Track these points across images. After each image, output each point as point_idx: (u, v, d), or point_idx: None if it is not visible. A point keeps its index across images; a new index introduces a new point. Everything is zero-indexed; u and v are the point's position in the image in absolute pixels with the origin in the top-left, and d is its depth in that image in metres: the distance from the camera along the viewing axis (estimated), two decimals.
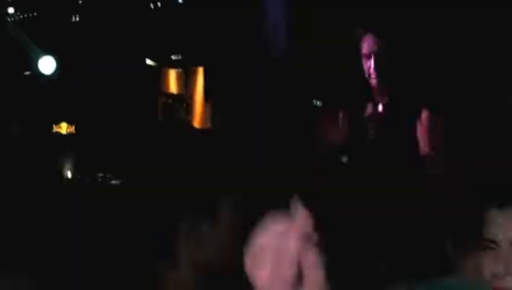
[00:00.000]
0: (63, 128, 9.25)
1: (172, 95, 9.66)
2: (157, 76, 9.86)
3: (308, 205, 1.53)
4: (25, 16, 9.10)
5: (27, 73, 9.09)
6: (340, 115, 6.07)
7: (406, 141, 5.91)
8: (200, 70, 9.65)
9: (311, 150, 6.28)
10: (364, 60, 5.89)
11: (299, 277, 1.52)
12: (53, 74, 8.86)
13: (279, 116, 7.31)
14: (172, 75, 9.89)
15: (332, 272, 1.56)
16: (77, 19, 9.40)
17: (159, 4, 9.53)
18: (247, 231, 1.53)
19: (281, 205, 1.53)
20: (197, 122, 9.55)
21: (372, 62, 5.84)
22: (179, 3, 9.48)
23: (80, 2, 9.37)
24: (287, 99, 7.50)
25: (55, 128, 9.39)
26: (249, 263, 1.53)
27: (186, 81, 9.87)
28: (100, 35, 9.40)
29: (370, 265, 5.40)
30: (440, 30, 7.11)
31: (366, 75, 5.88)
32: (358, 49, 5.97)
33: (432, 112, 6.01)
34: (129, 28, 9.40)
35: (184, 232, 2.71)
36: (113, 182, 7.67)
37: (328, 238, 1.66)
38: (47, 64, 8.91)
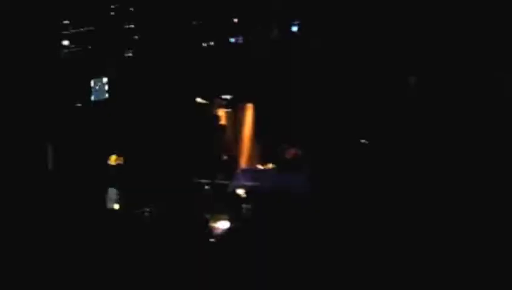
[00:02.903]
0: (112, 159, 9.36)
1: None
2: (208, 113, 9.97)
3: None
4: (80, 48, 9.30)
5: (79, 104, 9.29)
6: None
7: None
8: (249, 108, 9.76)
9: None
10: None
11: None
12: (104, 106, 9.08)
13: None
14: (222, 112, 9.98)
15: None
16: (130, 54, 9.58)
17: (211, 43, 9.71)
18: None
19: None
20: (244, 161, 9.62)
21: None
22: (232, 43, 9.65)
23: (135, 37, 9.55)
24: None
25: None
26: None
27: (235, 118, 9.95)
28: (153, 71, 9.57)
29: None
30: None
31: None
32: None
33: None
34: (182, 66, 9.58)
35: None
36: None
37: None
38: (99, 95, 9.15)
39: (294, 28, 9.34)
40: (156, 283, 7.49)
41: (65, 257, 7.70)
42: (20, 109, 8.46)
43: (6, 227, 7.83)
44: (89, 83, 9.27)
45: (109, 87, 9.37)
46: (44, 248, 7.74)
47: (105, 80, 9.40)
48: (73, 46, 9.29)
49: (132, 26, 9.65)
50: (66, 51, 9.27)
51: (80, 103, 9.31)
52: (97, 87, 9.38)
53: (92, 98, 9.26)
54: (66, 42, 9.26)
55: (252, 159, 9.60)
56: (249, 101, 9.73)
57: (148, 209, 8.65)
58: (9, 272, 7.41)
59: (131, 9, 9.64)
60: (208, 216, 8.38)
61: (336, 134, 8.75)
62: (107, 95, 9.33)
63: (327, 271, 7.32)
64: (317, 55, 9.04)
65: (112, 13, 9.58)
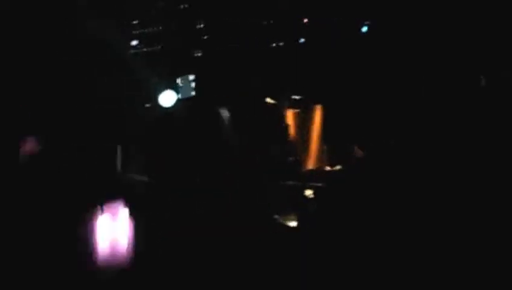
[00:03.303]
0: None
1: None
2: (277, 113, 9.96)
3: None
4: (149, 49, 9.34)
5: (148, 105, 9.32)
6: None
7: None
8: (318, 109, 9.73)
9: None
10: None
11: None
12: (173, 107, 9.09)
13: None
14: (291, 113, 9.97)
15: None
16: (199, 54, 9.60)
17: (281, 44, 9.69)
18: None
19: None
20: (311, 162, 9.59)
21: None
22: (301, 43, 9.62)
23: (205, 37, 9.56)
24: None
25: None
26: None
27: (304, 120, 9.94)
28: (224, 71, 9.60)
29: None
30: None
31: None
32: None
33: None
34: (249, 65, 9.60)
35: None
36: None
37: None
38: (168, 98, 9.16)
39: (364, 29, 9.25)
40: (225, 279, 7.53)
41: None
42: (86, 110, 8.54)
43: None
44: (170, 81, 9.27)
45: (196, 84, 9.40)
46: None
47: (191, 77, 9.42)
48: (142, 46, 9.34)
49: (203, 25, 9.66)
50: (134, 51, 9.32)
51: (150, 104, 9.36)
52: (183, 85, 9.41)
53: (179, 96, 9.28)
54: (134, 42, 9.30)
55: (320, 161, 9.57)
56: (318, 102, 9.70)
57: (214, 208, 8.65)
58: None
59: (201, 9, 9.66)
60: (276, 216, 8.37)
61: (404, 135, 8.67)
62: (193, 93, 9.36)
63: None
64: (386, 56, 8.97)
65: (182, 12, 9.61)
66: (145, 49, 9.36)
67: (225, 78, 9.62)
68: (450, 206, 7.68)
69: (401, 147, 8.52)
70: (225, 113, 9.49)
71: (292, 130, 9.90)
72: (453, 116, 8.28)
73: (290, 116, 9.95)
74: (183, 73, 9.43)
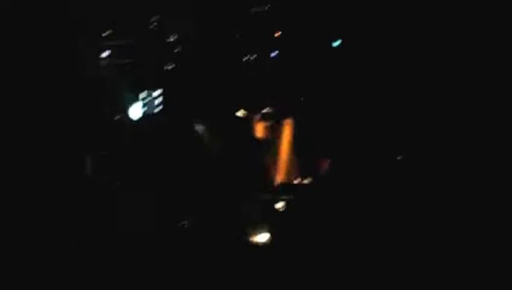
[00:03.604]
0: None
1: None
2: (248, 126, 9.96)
3: None
4: (120, 62, 9.34)
5: (117, 117, 9.31)
6: None
7: None
8: (289, 122, 9.74)
9: None
10: None
11: None
12: (139, 120, 9.09)
13: None
14: (261, 126, 9.97)
15: None
16: (171, 67, 9.60)
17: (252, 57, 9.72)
18: None
19: None
20: (281, 176, 9.60)
21: None
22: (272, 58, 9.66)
23: (176, 50, 9.58)
24: None
25: None
26: None
27: (275, 133, 9.94)
28: (194, 84, 9.60)
29: None
30: None
31: None
32: None
33: None
34: (223, 79, 9.62)
35: None
36: None
37: None
38: (135, 111, 9.17)
39: (336, 43, 9.31)
40: None
41: None
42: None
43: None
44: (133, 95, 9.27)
45: (165, 98, 9.38)
46: None
47: (156, 93, 9.42)
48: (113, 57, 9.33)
49: (173, 39, 9.67)
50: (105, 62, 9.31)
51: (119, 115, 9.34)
52: (147, 101, 9.40)
53: (142, 111, 9.27)
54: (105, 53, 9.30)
55: (290, 174, 9.58)
56: (289, 115, 9.72)
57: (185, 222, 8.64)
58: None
59: (173, 22, 9.67)
60: (247, 229, 8.38)
61: (376, 151, 8.71)
62: (157, 109, 9.37)
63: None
64: (357, 70, 9.02)
65: (154, 26, 9.62)
66: (115, 61, 9.36)
67: (196, 91, 9.63)
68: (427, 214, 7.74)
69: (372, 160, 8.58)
70: (196, 126, 9.49)
71: (263, 143, 9.91)
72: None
73: (260, 129, 9.95)
74: (153, 86, 9.42)
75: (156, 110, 9.43)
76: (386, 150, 8.64)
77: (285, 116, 9.75)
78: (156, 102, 9.44)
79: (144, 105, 9.35)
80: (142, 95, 9.39)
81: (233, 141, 9.59)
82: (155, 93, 9.45)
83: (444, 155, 8.10)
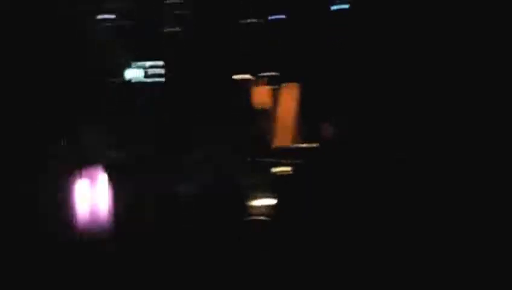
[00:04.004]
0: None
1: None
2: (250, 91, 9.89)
3: None
4: (121, 23, 9.25)
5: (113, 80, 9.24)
6: None
7: None
8: (295, 86, 9.67)
9: None
10: None
11: None
12: (140, 83, 9.04)
13: None
14: (264, 90, 9.89)
15: None
16: (175, 29, 9.51)
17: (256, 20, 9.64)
18: None
19: None
20: (284, 140, 9.53)
21: None
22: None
23: (177, 12, 9.48)
24: None
25: None
26: None
27: (281, 97, 9.86)
28: (195, 48, 9.52)
29: None
30: None
31: None
32: None
33: None
34: (223, 42, 9.53)
35: None
36: None
37: None
38: (134, 73, 9.09)
39: (343, 5, 9.20)
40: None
41: None
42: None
43: None
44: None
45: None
46: None
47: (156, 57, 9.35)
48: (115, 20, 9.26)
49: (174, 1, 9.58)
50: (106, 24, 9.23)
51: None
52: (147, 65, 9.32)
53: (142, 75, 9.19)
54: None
55: (296, 138, 9.52)
56: (295, 79, 9.64)
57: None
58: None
59: None
60: (251, 194, 8.36)
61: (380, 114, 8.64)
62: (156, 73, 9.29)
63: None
64: (363, 34, 8.93)
65: None
66: (117, 24, 9.27)
67: (197, 55, 9.56)
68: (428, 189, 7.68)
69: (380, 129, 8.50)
70: (197, 89, 9.42)
71: (269, 108, 9.84)
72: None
73: (266, 93, 9.87)
74: (153, 50, 9.33)
75: (155, 74, 9.34)
76: (389, 115, 8.55)
77: (288, 80, 9.69)
78: (155, 66, 9.35)
79: (143, 69, 9.27)
80: (141, 59, 9.30)
81: (235, 105, 9.53)
82: (154, 60, 9.36)
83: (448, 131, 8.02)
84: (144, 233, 7.83)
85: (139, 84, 9.20)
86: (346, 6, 9.15)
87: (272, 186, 8.47)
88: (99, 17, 9.11)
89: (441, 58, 8.27)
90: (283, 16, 9.55)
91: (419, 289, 6.98)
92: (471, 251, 7.08)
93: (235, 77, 9.72)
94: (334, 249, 7.45)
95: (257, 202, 8.31)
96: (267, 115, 9.68)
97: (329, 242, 7.51)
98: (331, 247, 7.47)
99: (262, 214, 8.17)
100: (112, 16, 9.28)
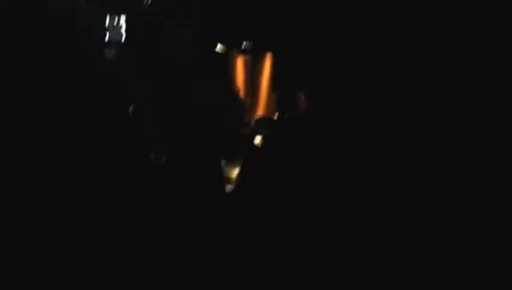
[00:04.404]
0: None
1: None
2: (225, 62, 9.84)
3: None
4: None
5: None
6: None
7: None
8: (268, 56, 9.65)
9: None
10: None
11: None
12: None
13: None
14: (240, 61, 9.86)
15: None
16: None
17: None
18: None
19: None
20: (261, 110, 9.53)
21: None
22: None
23: None
24: None
25: None
26: None
27: (254, 67, 9.84)
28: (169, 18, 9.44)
29: None
30: None
31: None
32: None
33: None
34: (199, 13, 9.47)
35: None
36: None
37: None
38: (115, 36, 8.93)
39: None
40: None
41: None
42: None
43: None
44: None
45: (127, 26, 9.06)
46: None
47: (123, 17, 9.07)
48: None
49: None
50: None
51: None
52: (113, 26, 9.07)
53: (106, 38, 8.95)
54: None
55: (269, 108, 9.52)
56: (269, 49, 9.62)
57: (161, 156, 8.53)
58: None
59: None
60: (223, 163, 8.32)
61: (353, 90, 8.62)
62: (123, 36, 9.07)
63: None
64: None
65: None
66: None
67: (174, 24, 9.46)
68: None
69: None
70: (170, 59, 9.33)
71: (242, 78, 9.80)
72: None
73: (239, 63, 9.84)
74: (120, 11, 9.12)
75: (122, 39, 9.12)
76: (369, 89, 8.53)
77: (265, 50, 9.67)
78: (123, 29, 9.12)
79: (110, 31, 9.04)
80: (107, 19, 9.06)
81: (211, 77, 9.48)
82: (122, 19, 9.13)
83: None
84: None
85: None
86: None
87: (250, 157, 8.46)
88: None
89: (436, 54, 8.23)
90: None
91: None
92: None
93: (209, 48, 9.68)
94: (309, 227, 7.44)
95: (235, 173, 8.31)
96: (244, 86, 9.67)
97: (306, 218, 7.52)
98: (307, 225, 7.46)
99: (240, 185, 8.16)
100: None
